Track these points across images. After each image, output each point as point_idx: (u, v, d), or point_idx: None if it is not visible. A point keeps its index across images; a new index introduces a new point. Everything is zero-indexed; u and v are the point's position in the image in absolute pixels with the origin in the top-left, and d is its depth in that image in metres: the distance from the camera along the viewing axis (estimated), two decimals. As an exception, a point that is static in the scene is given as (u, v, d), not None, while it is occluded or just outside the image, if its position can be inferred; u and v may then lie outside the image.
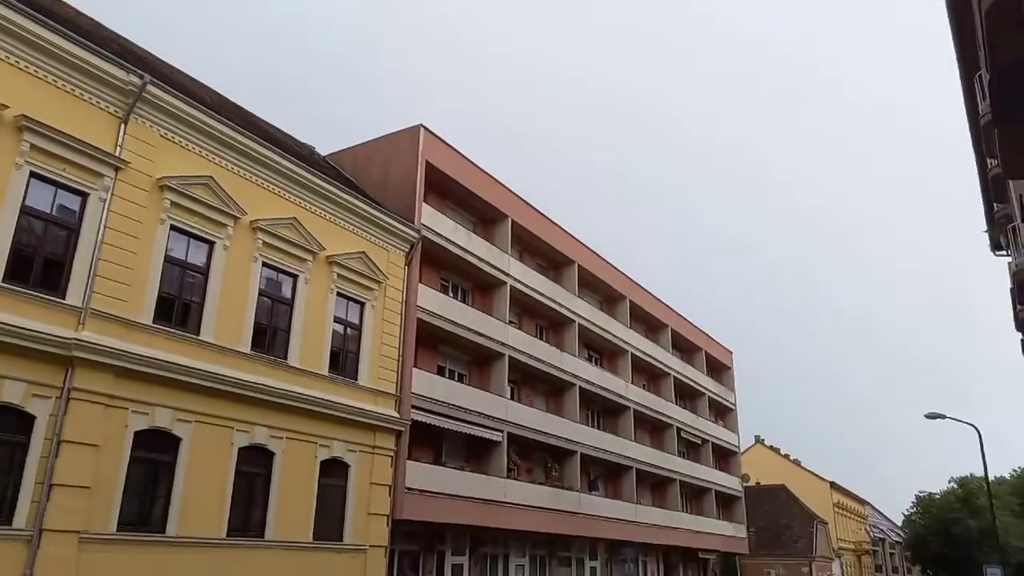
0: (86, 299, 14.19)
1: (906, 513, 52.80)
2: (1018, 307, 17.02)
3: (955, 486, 48.75)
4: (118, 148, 15.19)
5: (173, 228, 16.24)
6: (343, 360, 20.22)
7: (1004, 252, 20.84)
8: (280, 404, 17.62)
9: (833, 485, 76.70)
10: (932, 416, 27.58)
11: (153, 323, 15.42)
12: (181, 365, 15.44)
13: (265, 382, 17.29)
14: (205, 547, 15.42)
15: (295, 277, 19.07)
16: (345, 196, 20.71)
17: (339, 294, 20.29)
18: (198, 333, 16.37)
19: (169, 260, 16.12)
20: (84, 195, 14.60)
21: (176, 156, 16.48)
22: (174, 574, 14.69)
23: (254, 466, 17.12)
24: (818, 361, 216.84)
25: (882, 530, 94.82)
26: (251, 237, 17.92)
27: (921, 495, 49.83)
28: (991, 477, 67.03)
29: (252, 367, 17.20)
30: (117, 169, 15.08)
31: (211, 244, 17.05)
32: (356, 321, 20.84)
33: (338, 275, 20.19)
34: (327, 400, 18.85)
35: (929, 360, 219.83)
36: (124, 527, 14.18)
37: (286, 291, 18.93)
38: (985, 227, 21.25)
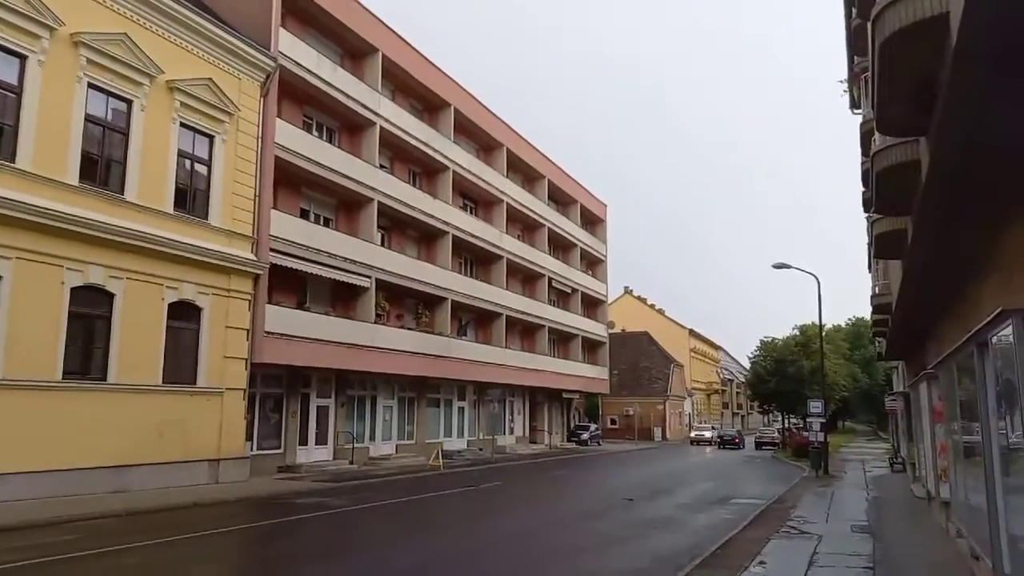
0: None
1: (750, 356, 57.46)
2: (863, 160, 17.76)
3: (797, 332, 53.14)
4: None
5: (-29, 36, 13.97)
6: (191, 198, 18.74)
7: (860, 110, 21.45)
8: (118, 242, 16.25)
9: (692, 332, 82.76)
10: (779, 266, 29.29)
11: (-46, 147, 13.51)
12: (-8, 195, 13.75)
13: (97, 218, 15.80)
14: (36, 390, 14.47)
15: (129, 103, 17.09)
16: (186, 12, 18.42)
17: (183, 124, 18.46)
18: (13, 160, 14.53)
19: (-30, 75, 13.99)
20: None
21: (-33, -52, 13.88)
22: (5, 416, 13.81)
23: (91, 307, 15.96)
24: (692, 218, 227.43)
25: (731, 372, 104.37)
26: (72, 53, 15.72)
27: (765, 339, 54.04)
28: (831, 325, 74.40)
29: (81, 200, 15.59)
30: None
31: (23, 58, 14.86)
32: (205, 156, 19.19)
33: (181, 103, 18.29)
34: (173, 240, 17.58)
35: (806, 218, 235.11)
36: (-63, 370, 13.01)
37: (119, 118, 16.98)
38: (846, 79, 21.64)
